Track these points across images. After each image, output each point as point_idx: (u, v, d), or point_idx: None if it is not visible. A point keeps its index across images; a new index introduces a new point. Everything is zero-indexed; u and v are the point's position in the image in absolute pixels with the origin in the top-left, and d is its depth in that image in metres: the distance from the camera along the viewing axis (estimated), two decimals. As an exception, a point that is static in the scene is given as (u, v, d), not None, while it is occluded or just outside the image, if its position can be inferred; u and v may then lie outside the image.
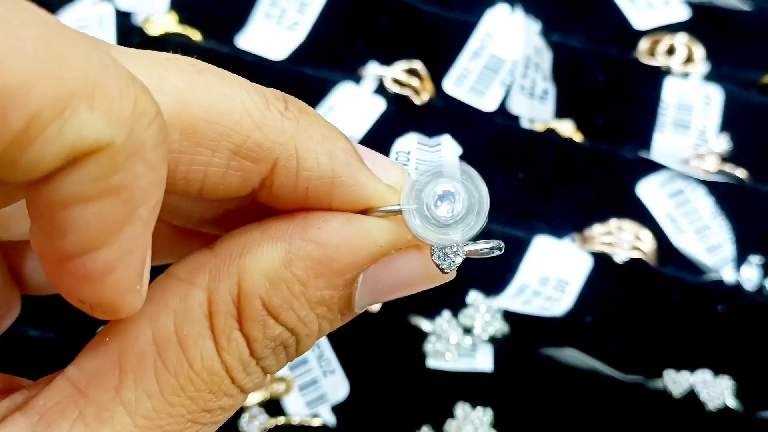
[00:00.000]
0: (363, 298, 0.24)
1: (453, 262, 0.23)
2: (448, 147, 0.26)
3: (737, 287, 0.50)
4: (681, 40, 0.56)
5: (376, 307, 0.47)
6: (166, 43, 0.53)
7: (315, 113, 0.23)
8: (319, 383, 0.46)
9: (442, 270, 0.23)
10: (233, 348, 0.22)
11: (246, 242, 0.23)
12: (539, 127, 0.54)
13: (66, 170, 0.17)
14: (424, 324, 0.46)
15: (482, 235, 0.24)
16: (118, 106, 0.18)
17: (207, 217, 0.26)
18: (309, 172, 0.23)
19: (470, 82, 0.54)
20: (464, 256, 0.23)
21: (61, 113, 0.17)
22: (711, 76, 0.56)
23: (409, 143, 0.26)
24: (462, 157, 0.24)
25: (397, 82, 0.53)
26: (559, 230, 0.51)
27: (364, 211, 0.23)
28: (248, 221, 0.24)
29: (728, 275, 0.50)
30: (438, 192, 0.23)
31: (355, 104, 0.52)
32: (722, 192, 0.52)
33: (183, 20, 0.54)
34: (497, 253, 0.24)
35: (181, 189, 0.22)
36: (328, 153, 0.23)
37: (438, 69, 0.54)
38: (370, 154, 0.24)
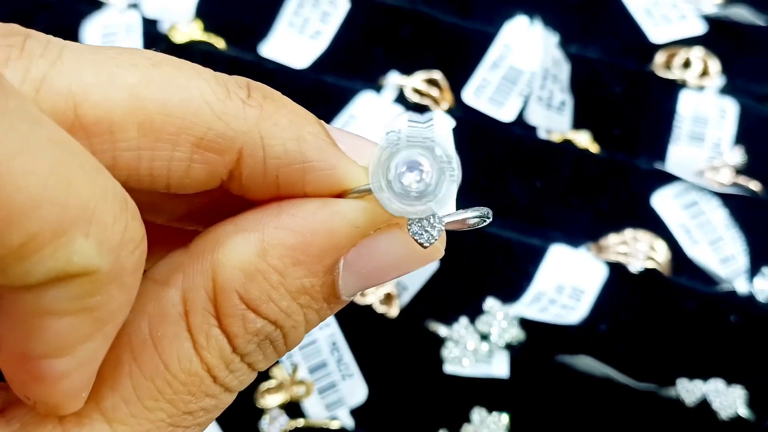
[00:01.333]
0: (348, 284, 0.22)
1: (431, 235, 0.22)
2: (440, 122, 0.25)
3: (750, 298, 0.50)
4: (697, 53, 0.57)
5: (394, 312, 0.47)
6: (191, 50, 0.54)
7: (282, 98, 0.23)
8: (338, 387, 0.46)
9: (421, 244, 0.22)
10: (213, 345, 0.22)
11: (219, 237, 0.22)
12: (556, 138, 0.54)
13: (47, 286, 0.18)
14: (442, 330, 0.47)
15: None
16: (111, 233, 0.18)
17: (188, 212, 0.25)
18: (277, 159, 0.22)
19: (489, 92, 0.54)
20: (442, 227, 0.22)
21: (59, 238, 0.17)
22: (726, 90, 0.56)
23: (399, 121, 0.25)
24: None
25: (417, 91, 0.53)
26: (574, 239, 0.52)
27: (341, 195, 0.22)
28: (229, 215, 0.23)
29: (741, 286, 0.51)
30: (404, 163, 0.21)
31: (375, 113, 0.52)
32: (736, 204, 0.53)
33: (208, 28, 0.55)
34: (486, 222, 0.22)
35: (147, 185, 0.21)
36: (296, 138, 0.22)
37: (457, 79, 0.55)
38: (346, 137, 0.23)
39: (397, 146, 0.21)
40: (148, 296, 0.22)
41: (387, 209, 0.21)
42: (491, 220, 0.23)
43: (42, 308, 0.18)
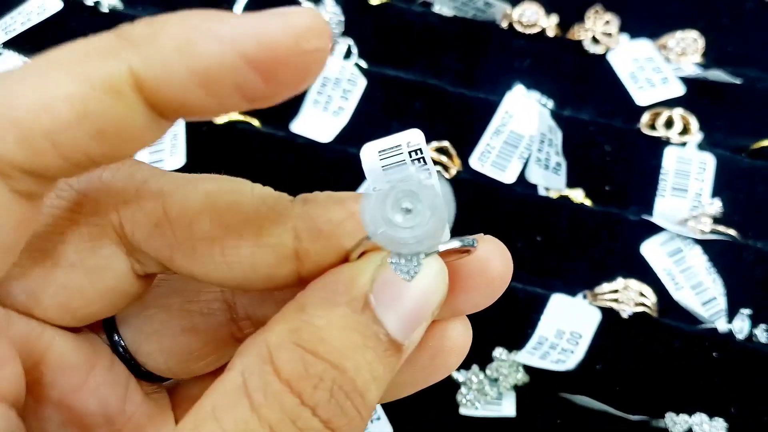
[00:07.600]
0: (391, 320, 0.23)
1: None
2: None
3: (729, 336, 0.56)
4: (678, 113, 0.63)
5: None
6: (231, 128, 0.60)
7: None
8: (367, 428, 0.53)
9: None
10: (271, 400, 0.21)
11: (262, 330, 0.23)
12: (554, 195, 0.61)
13: None
14: (457, 375, 0.54)
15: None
16: None
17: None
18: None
19: (492, 157, 0.61)
20: (420, 260, 0.22)
21: None
22: (705, 144, 0.63)
23: (417, 137, 0.24)
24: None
25: (429, 159, 0.60)
26: (572, 287, 0.58)
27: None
28: None
29: (722, 325, 0.56)
30: (395, 199, 0.22)
31: (394, 180, 0.59)
32: (716, 250, 0.58)
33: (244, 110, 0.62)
34: (472, 247, 0.23)
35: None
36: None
37: (464, 146, 0.61)
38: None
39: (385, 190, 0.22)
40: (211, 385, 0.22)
41: (384, 245, 0.22)
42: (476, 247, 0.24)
43: None
